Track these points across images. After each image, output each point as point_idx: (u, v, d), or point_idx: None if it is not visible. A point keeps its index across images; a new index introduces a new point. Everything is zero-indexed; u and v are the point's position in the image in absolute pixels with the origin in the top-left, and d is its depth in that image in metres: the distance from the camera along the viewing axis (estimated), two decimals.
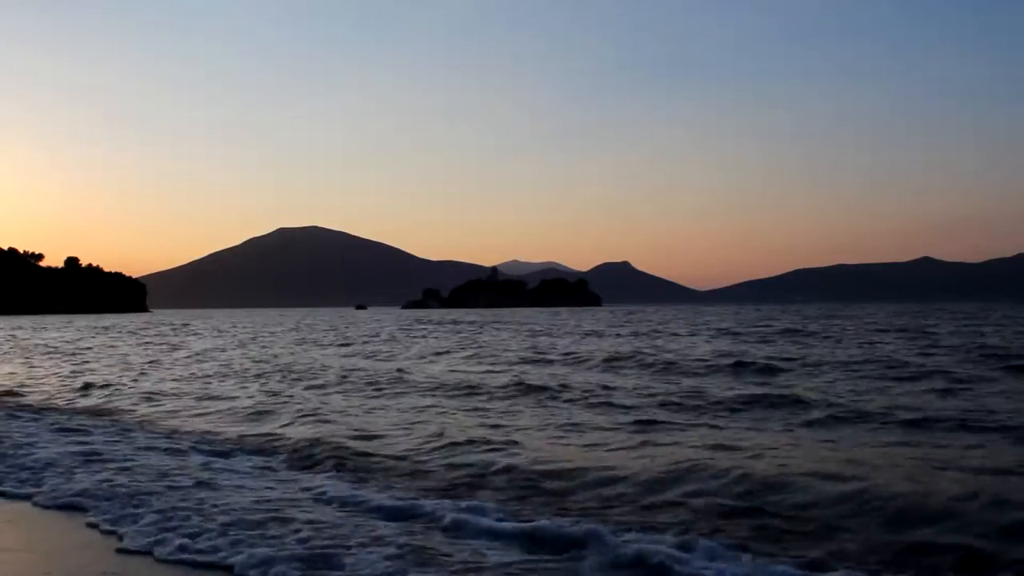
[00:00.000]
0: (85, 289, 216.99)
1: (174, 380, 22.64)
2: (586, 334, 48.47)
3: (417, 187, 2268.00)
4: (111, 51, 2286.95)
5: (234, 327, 74.96)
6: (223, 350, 37.39)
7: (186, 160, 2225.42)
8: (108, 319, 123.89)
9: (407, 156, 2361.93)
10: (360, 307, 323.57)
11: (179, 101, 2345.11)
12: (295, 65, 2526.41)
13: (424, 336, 50.18)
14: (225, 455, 11.48)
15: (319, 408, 15.60)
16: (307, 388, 19.79)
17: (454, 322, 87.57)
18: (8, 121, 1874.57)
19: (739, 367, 22.39)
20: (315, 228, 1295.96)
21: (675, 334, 45.96)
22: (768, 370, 21.79)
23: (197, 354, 34.56)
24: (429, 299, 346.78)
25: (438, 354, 32.57)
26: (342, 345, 41.09)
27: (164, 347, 40.80)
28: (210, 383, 21.62)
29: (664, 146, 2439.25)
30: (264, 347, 39.22)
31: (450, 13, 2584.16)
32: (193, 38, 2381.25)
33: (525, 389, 17.98)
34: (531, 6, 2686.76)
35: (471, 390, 18.32)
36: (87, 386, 20.72)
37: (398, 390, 18.85)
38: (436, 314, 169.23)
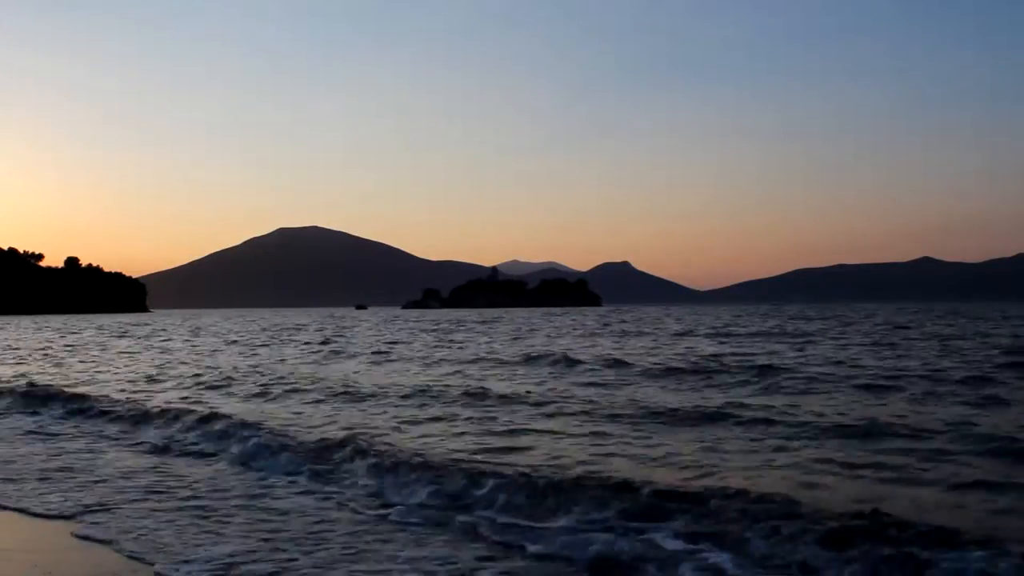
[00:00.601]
0: (85, 289, 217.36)
1: (118, 380, 23.39)
2: (584, 335, 48.52)
3: (417, 187, 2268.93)
4: (111, 51, 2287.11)
5: (215, 328, 73.91)
6: (173, 351, 37.89)
7: (186, 160, 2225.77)
8: (104, 319, 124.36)
9: (407, 156, 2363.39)
10: (360, 307, 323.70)
11: (179, 101, 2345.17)
12: (295, 65, 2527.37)
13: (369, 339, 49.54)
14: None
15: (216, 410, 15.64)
16: (214, 391, 19.95)
17: (448, 322, 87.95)
18: (8, 121, 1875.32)
19: (675, 372, 21.43)
20: (315, 228, 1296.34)
21: (642, 333, 45.73)
22: (707, 374, 20.65)
23: (157, 354, 35.32)
24: (429, 299, 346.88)
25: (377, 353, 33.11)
26: (306, 344, 40.81)
27: (124, 347, 41.14)
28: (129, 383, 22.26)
29: (664, 146, 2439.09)
30: (202, 349, 38.70)
31: (450, 13, 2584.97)
32: (193, 38, 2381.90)
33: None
34: (531, 6, 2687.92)
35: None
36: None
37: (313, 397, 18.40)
38: (434, 314, 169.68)
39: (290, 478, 9.85)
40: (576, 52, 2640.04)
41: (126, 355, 34.78)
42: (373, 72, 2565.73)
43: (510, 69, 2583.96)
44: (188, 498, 8.87)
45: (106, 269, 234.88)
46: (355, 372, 24.24)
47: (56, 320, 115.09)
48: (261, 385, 20.36)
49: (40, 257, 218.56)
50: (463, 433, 12.37)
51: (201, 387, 20.61)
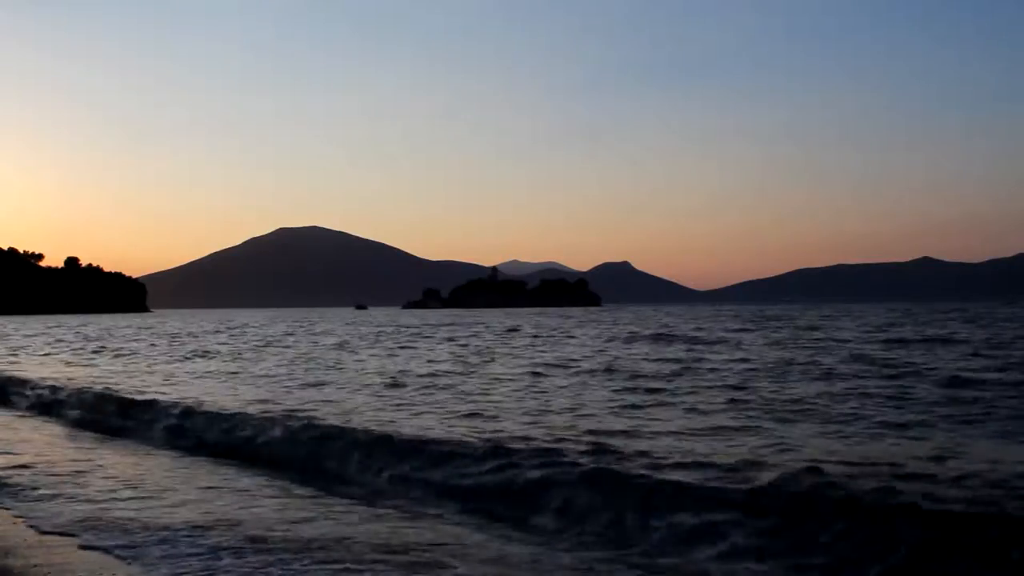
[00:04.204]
0: (85, 289, 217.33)
1: None
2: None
3: (417, 187, 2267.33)
4: (111, 51, 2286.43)
5: (194, 329, 69.02)
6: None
7: (186, 160, 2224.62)
8: (106, 319, 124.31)
9: (407, 156, 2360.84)
10: (360, 307, 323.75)
11: (178, 101, 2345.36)
12: (295, 65, 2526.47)
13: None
14: None
15: None
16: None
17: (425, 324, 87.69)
18: (8, 121, 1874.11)
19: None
20: (315, 228, 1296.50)
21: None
22: None
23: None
24: (429, 299, 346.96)
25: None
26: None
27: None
28: None
29: (664, 146, 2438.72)
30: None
31: (450, 13, 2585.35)
32: (193, 38, 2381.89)
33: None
34: (531, 6, 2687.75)
35: None
36: None
37: None
38: (431, 315, 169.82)
39: None
40: (576, 52, 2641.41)
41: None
42: (373, 72, 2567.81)
43: (510, 69, 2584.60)
44: None
45: (106, 269, 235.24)
46: None
47: (43, 321, 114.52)
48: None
49: (40, 257, 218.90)
50: None
51: None
